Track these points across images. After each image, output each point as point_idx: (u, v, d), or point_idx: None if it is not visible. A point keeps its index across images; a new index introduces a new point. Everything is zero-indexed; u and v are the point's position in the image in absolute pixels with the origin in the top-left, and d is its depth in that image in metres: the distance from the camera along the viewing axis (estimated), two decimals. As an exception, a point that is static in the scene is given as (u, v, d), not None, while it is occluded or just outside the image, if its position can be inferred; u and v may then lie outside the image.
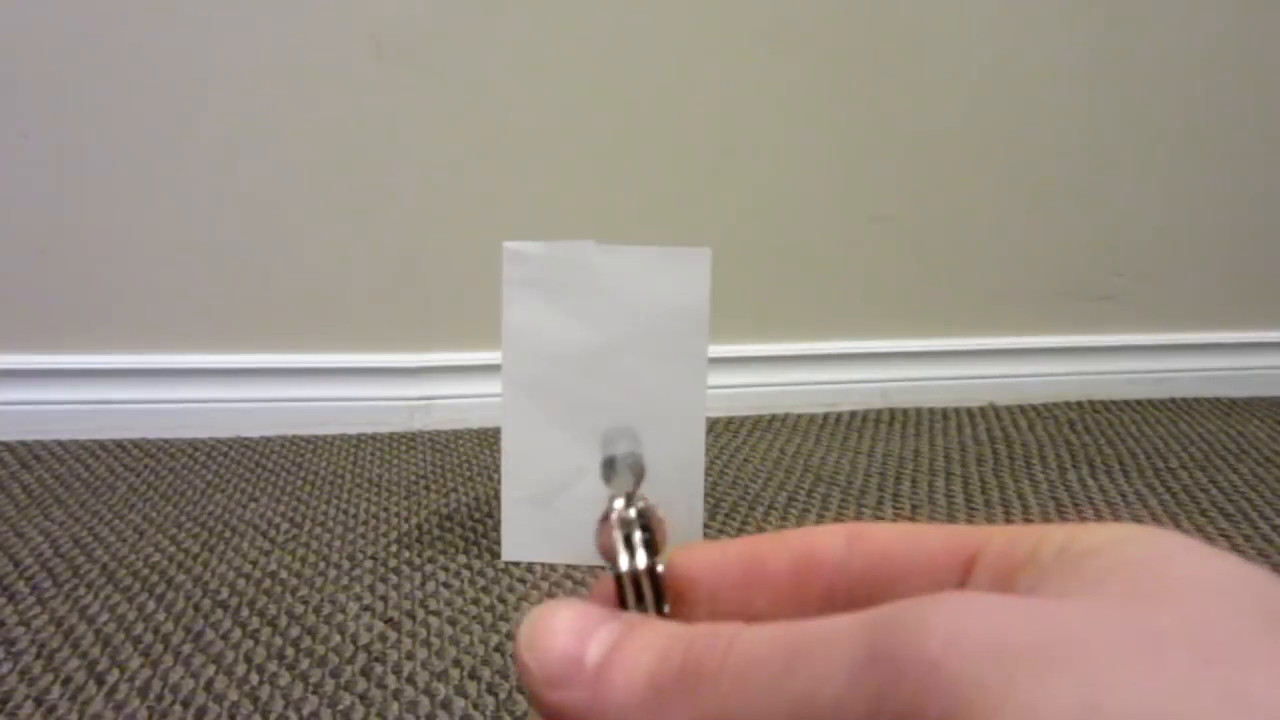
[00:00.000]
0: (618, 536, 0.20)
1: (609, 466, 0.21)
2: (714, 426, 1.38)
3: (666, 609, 0.20)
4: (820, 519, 1.04)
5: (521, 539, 0.93)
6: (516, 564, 0.92)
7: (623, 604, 0.20)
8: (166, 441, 1.27)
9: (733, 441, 1.32)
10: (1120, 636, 0.13)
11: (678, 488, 0.91)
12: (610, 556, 0.20)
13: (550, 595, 0.86)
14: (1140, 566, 0.16)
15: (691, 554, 0.21)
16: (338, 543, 0.96)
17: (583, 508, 0.93)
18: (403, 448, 1.28)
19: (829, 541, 0.20)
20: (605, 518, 0.20)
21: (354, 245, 1.33)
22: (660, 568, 0.20)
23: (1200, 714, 0.12)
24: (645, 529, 0.20)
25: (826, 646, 0.15)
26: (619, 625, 0.18)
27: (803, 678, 0.15)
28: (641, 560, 0.20)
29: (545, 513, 0.93)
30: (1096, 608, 0.15)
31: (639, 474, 0.21)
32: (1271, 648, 0.13)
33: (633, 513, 0.20)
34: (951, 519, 1.05)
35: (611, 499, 0.20)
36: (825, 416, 1.45)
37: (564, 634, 0.18)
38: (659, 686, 0.17)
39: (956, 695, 0.13)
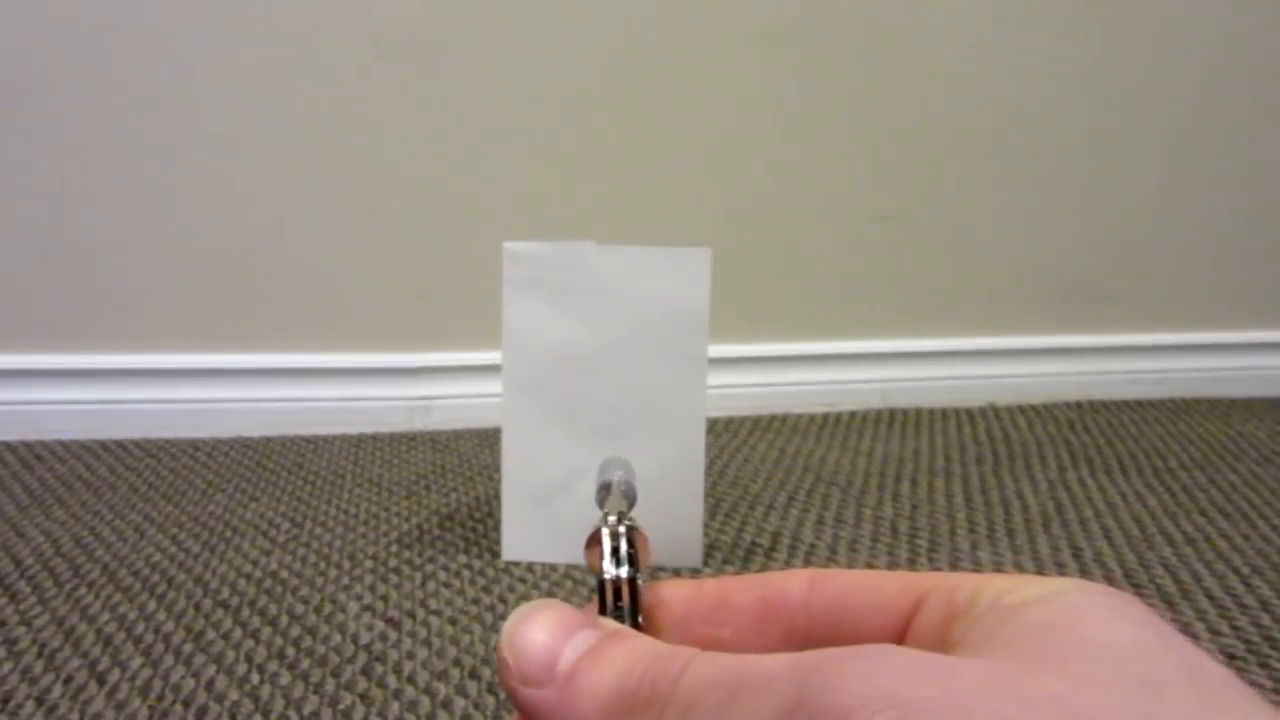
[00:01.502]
0: (606, 547, 0.22)
1: (604, 491, 0.24)
2: (714, 426, 1.38)
3: (641, 620, 0.22)
4: (820, 519, 1.04)
5: (521, 539, 0.93)
6: (516, 564, 0.92)
7: (603, 610, 0.22)
8: (167, 441, 1.27)
9: (733, 441, 1.32)
10: (999, 701, 0.15)
11: (677, 488, 0.92)
12: (596, 565, 0.22)
13: (550, 595, 0.86)
14: (1052, 629, 0.17)
15: (667, 584, 0.23)
16: (338, 543, 0.96)
17: (583, 508, 0.93)
18: (403, 448, 1.28)
19: (793, 583, 0.22)
20: (596, 533, 0.22)
21: (354, 245, 1.33)
22: (640, 580, 0.22)
23: None
24: (631, 544, 0.22)
25: (763, 685, 0.17)
26: (594, 633, 0.20)
27: (738, 712, 0.17)
28: (625, 570, 0.22)
29: (545, 513, 0.93)
30: (991, 669, 0.16)
31: (631, 500, 0.23)
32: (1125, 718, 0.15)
33: (622, 528, 0.22)
34: (951, 519, 1.05)
35: (604, 516, 0.23)
36: (825, 416, 1.45)
37: (542, 634, 0.19)
38: (619, 700, 0.18)
39: None
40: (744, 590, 0.22)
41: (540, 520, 0.93)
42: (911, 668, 0.16)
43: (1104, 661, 0.16)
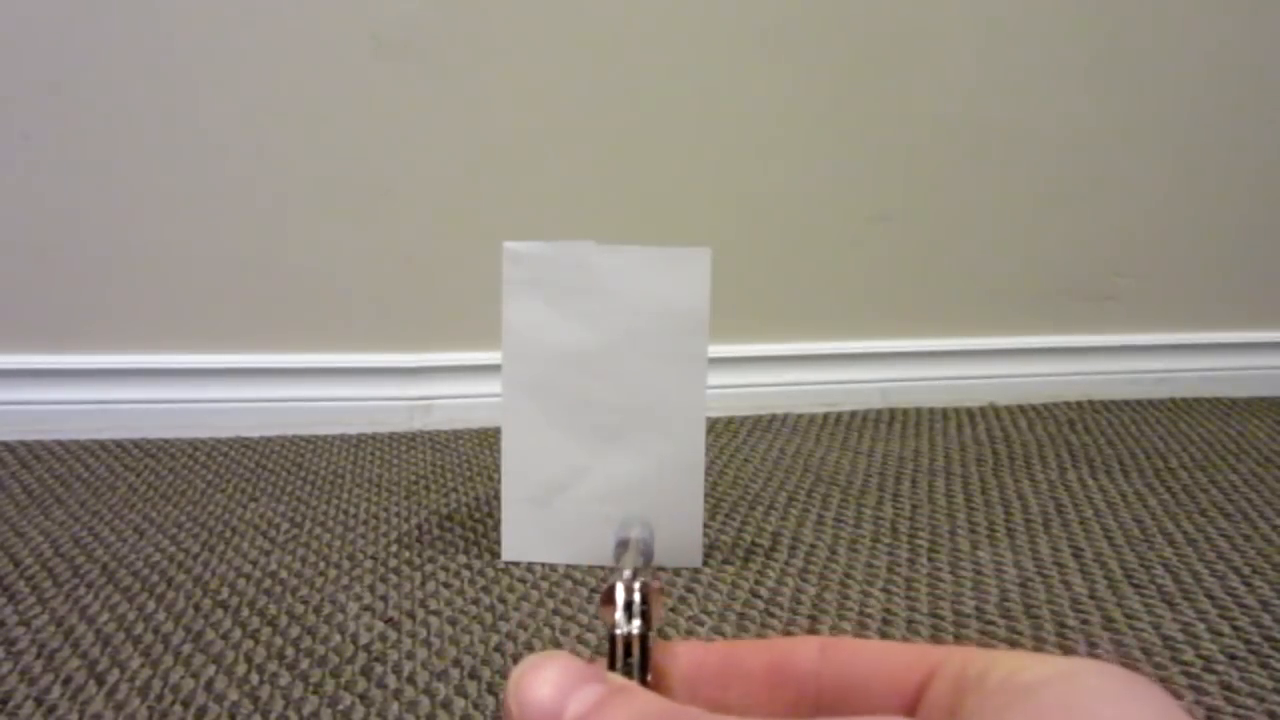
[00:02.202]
0: (619, 601, 0.22)
1: (622, 546, 0.24)
2: (714, 426, 1.38)
3: (650, 677, 0.22)
4: (820, 519, 1.04)
5: (521, 539, 0.93)
6: (516, 564, 0.92)
7: (612, 665, 0.22)
8: (166, 441, 1.27)
9: (733, 441, 1.32)
10: None
11: (678, 488, 0.91)
12: (609, 619, 0.22)
13: (550, 595, 0.86)
14: (1066, 711, 0.17)
15: (676, 645, 0.23)
16: (338, 543, 0.96)
17: (583, 508, 0.93)
18: (403, 448, 1.28)
19: (804, 649, 0.22)
20: (610, 588, 0.22)
21: (354, 245, 1.33)
22: (651, 638, 0.22)
23: None
24: (645, 601, 0.22)
25: None
26: (601, 688, 0.20)
27: None
28: (636, 626, 0.22)
29: (545, 513, 0.93)
30: None
31: (648, 557, 0.23)
32: None
33: (637, 583, 0.22)
34: (951, 519, 1.05)
35: (619, 569, 0.23)
36: (825, 416, 1.45)
37: (549, 686, 0.19)
38: None
39: None
40: (754, 654, 0.22)
41: (540, 520, 0.93)
42: None
43: None
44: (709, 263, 0.89)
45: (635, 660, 0.22)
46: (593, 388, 0.91)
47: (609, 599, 0.22)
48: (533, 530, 0.93)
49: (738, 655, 0.23)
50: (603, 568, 0.91)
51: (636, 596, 0.22)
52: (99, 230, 1.27)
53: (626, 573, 0.22)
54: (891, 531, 1.01)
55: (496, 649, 0.76)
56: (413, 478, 1.16)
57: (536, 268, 0.91)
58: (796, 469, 1.21)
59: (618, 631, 0.22)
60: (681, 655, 0.22)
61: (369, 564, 0.92)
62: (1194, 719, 0.68)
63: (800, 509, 1.07)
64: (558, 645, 0.77)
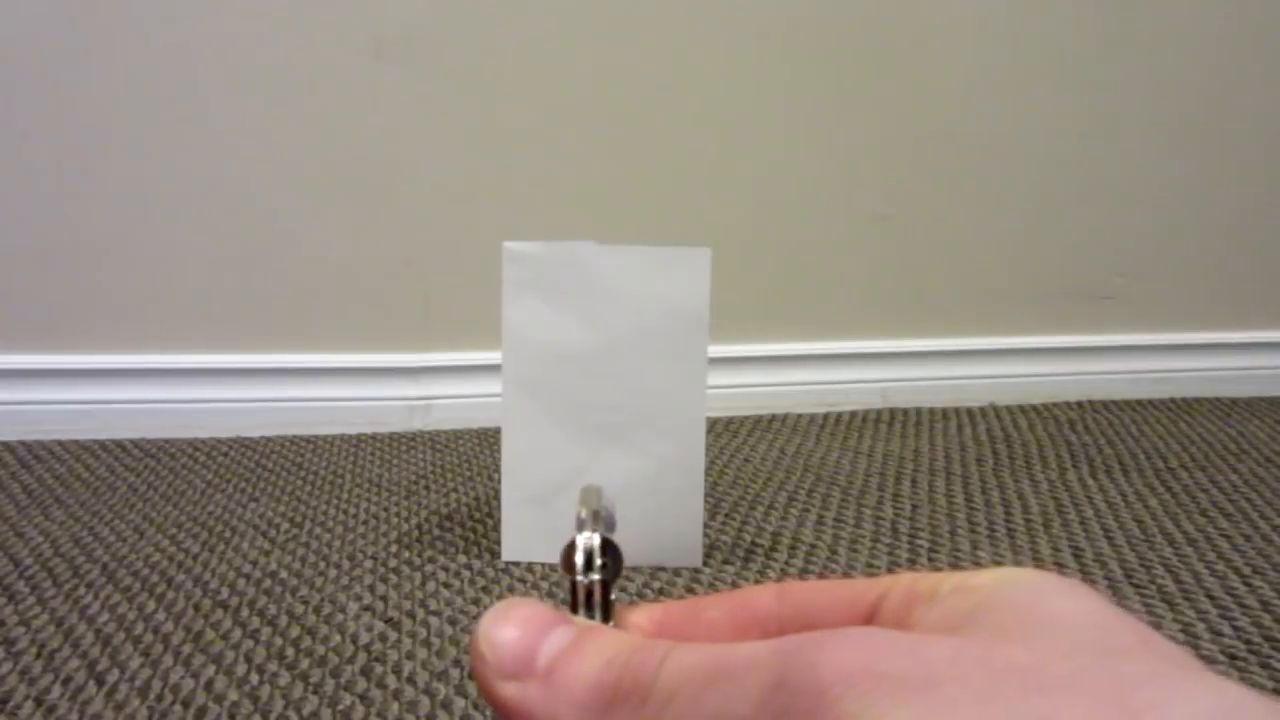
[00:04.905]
0: (580, 552, 0.22)
1: (583, 519, 0.24)
2: (714, 426, 1.38)
3: (613, 623, 0.22)
4: (820, 519, 1.04)
5: (521, 539, 0.93)
6: (516, 564, 0.92)
7: (574, 612, 0.22)
8: (166, 441, 1.27)
9: (733, 441, 1.32)
10: (969, 670, 0.16)
11: (678, 488, 0.91)
12: (570, 571, 0.22)
13: (551, 595, 0.86)
14: (1011, 606, 0.18)
15: (637, 608, 0.23)
16: (338, 543, 0.96)
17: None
18: (403, 448, 1.28)
19: (761, 596, 0.23)
20: (571, 543, 0.22)
21: (354, 245, 1.33)
22: (612, 594, 0.22)
23: None
24: (604, 552, 0.22)
25: (743, 669, 0.17)
26: (572, 629, 0.20)
27: (720, 696, 0.17)
28: (596, 575, 0.22)
29: (545, 513, 0.93)
30: (959, 644, 0.17)
31: (609, 522, 0.24)
32: (1089, 683, 0.15)
33: (597, 537, 0.23)
34: (951, 519, 1.05)
35: (578, 523, 0.23)
36: (825, 416, 1.45)
37: (521, 628, 0.20)
38: (600, 692, 0.18)
39: (834, 718, 0.15)
40: (713, 605, 0.23)
41: (540, 520, 0.93)
42: (886, 643, 0.16)
43: (1066, 634, 0.17)
44: (709, 263, 0.89)
45: (598, 608, 0.22)
46: (592, 388, 0.91)
47: (568, 555, 0.22)
48: (532, 530, 0.93)
49: (698, 607, 0.23)
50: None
51: (596, 545, 0.22)
52: (99, 230, 1.27)
53: (586, 531, 0.23)
54: (891, 531, 1.01)
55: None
56: (413, 478, 1.16)
57: (536, 268, 0.91)
58: (796, 469, 1.21)
59: (578, 578, 0.22)
60: (645, 616, 0.23)
61: (369, 564, 0.92)
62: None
63: (800, 509, 1.07)
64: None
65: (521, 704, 0.19)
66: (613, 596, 0.22)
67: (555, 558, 0.91)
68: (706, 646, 0.18)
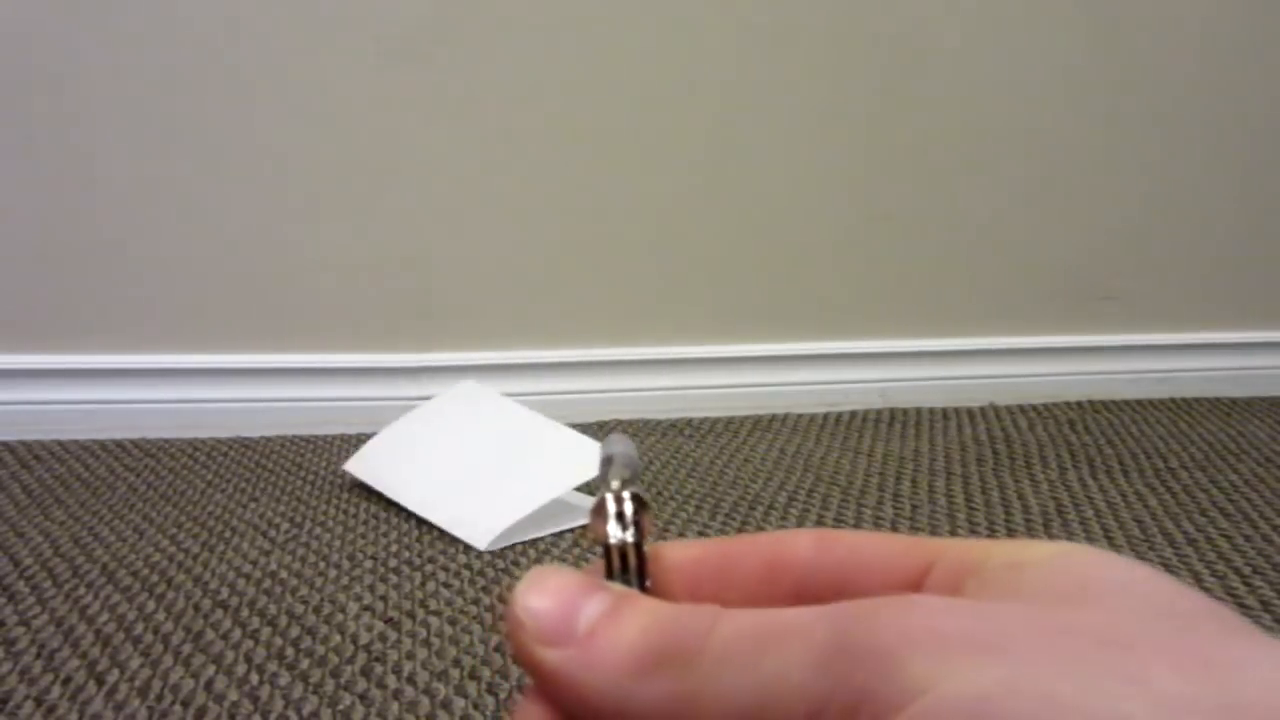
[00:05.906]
0: (611, 512, 0.21)
1: (607, 464, 0.23)
2: (714, 426, 1.38)
3: (649, 584, 0.21)
4: (820, 519, 1.04)
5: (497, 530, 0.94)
6: (517, 564, 0.92)
7: (609, 575, 0.21)
8: (166, 441, 1.27)
9: (733, 441, 1.32)
10: (1043, 630, 0.15)
11: (526, 486, 0.99)
12: (601, 532, 0.21)
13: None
14: (1069, 576, 0.18)
15: (673, 547, 0.23)
16: (338, 543, 0.96)
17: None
18: (403, 448, 1.28)
19: (799, 544, 0.22)
20: (600, 501, 0.22)
21: (354, 245, 1.33)
22: (646, 546, 0.22)
23: (1102, 695, 0.14)
24: (636, 510, 0.22)
25: (797, 635, 0.17)
26: (610, 595, 0.19)
27: (774, 661, 0.17)
28: (630, 535, 0.21)
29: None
30: (1025, 608, 0.17)
31: (634, 470, 0.23)
32: (1170, 642, 0.15)
33: (627, 494, 0.22)
34: (951, 519, 1.05)
35: (607, 482, 0.22)
36: (825, 416, 1.45)
37: (560, 594, 0.19)
38: (644, 658, 0.18)
39: (902, 678, 0.15)
40: (750, 552, 0.22)
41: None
42: (946, 606, 0.16)
43: (1133, 600, 0.17)
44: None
45: (633, 570, 0.21)
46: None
47: (600, 510, 0.22)
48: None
49: (733, 555, 0.22)
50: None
51: (628, 506, 0.21)
52: (100, 231, 1.27)
53: (615, 483, 0.22)
54: (892, 531, 1.01)
55: (496, 649, 0.76)
56: (413, 478, 1.16)
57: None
58: (796, 469, 1.21)
59: (611, 541, 0.21)
60: (677, 559, 0.22)
61: (369, 564, 0.91)
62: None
63: (800, 509, 1.07)
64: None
65: (562, 669, 0.19)
66: (645, 546, 0.22)
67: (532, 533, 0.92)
68: (755, 613, 0.18)
